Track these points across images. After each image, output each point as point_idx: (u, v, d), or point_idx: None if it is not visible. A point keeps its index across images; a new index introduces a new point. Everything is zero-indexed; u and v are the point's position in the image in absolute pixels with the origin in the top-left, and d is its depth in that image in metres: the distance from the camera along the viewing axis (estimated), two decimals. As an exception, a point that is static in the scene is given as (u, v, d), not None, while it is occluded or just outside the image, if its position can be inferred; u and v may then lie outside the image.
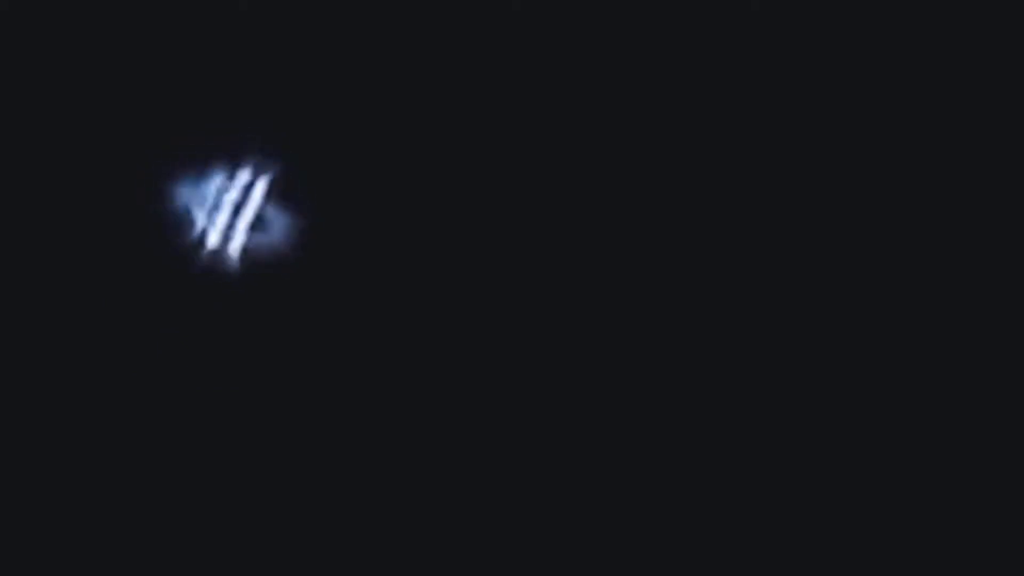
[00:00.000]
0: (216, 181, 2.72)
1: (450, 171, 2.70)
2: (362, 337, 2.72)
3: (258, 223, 2.72)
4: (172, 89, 2.71)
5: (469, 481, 2.60)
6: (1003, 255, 2.53)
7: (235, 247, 2.72)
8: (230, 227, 2.72)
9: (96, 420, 2.66)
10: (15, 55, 2.67)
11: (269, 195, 2.72)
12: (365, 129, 2.73)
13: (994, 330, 2.53)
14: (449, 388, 2.65)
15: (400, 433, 2.65)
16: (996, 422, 2.51)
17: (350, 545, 2.62)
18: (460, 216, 2.69)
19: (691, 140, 2.59)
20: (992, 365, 2.53)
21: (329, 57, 2.71)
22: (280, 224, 2.73)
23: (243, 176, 2.72)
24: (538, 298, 2.63)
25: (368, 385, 2.69)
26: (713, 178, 2.59)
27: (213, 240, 2.72)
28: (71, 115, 2.70)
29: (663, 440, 2.57)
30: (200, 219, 2.72)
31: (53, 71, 2.68)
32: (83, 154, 2.70)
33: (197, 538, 2.62)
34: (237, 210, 2.72)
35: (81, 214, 2.70)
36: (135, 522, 2.61)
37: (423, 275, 2.71)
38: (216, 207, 2.72)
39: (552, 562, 2.55)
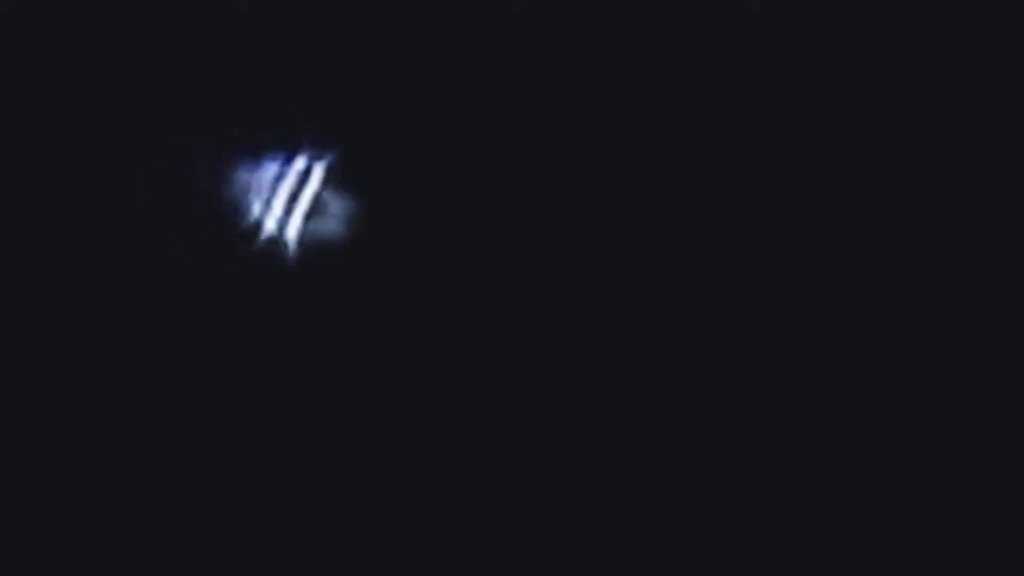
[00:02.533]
0: (271, 168, 2.63)
1: (521, 155, 2.64)
2: (423, 332, 2.63)
3: (316, 210, 2.63)
4: (223, 71, 2.63)
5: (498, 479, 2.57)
6: (1003, 255, 2.53)
7: (292, 235, 2.62)
8: (286, 215, 2.62)
9: (137, 416, 2.56)
10: (52, 37, 2.61)
11: (327, 181, 2.63)
12: (427, 112, 2.66)
13: (994, 330, 2.52)
14: (519, 385, 2.58)
15: (465, 431, 2.58)
16: (996, 422, 2.50)
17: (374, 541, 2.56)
18: (530, 204, 2.63)
19: (691, 140, 2.57)
20: (992, 365, 2.51)
21: (389, 33, 2.65)
22: (339, 211, 2.64)
23: (299, 162, 2.63)
24: (604, 286, 2.59)
25: (429, 381, 2.61)
26: (713, 178, 2.57)
27: (269, 228, 2.62)
28: (121, 97, 2.62)
29: (664, 440, 2.54)
30: (256, 207, 2.62)
31: (100, 49, 2.62)
32: (131, 139, 2.63)
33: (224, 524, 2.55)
34: (294, 197, 2.63)
35: (129, 201, 2.61)
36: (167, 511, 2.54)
37: (492, 269, 2.64)
38: (272, 195, 2.63)
39: (552, 562, 2.52)
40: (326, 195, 2.63)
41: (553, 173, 2.59)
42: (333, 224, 2.63)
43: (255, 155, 2.63)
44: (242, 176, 2.63)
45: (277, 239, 2.62)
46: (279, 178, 2.63)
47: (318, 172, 2.63)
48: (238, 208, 2.62)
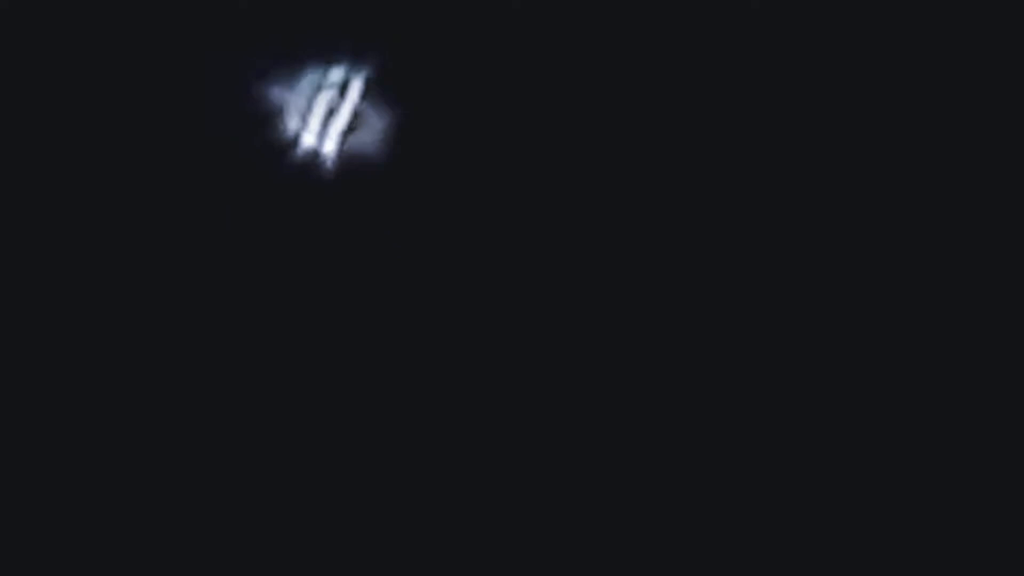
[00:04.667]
0: (309, 80, 2.60)
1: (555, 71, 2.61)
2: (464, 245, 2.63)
3: (354, 123, 2.61)
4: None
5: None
6: (1003, 255, 2.49)
7: (330, 149, 2.61)
8: (324, 128, 2.61)
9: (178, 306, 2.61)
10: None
11: (365, 94, 2.60)
12: (468, 22, 2.60)
13: (994, 330, 2.49)
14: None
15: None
16: (996, 422, 2.48)
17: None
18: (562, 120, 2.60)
19: (691, 140, 2.55)
20: (992, 365, 2.49)
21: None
22: (377, 125, 2.61)
23: (336, 74, 2.60)
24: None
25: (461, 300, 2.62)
26: (713, 178, 2.55)
27: (308, 141, 2.61)
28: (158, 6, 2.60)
29: (664, 440, 2.54)
30: (294, 120, 2.61)
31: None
32: (171, 50, 2.61)
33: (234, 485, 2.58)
34: (331, 111, 2.61)
35: (167, 115, 2.62)
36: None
37: (528, 183, 2.62)
38: (309, 108, 2.61)
39: (552, 562, 2.52)
40: (364, 109, 2.61)
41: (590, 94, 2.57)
42: (371, 138, 2.61)
43: (292, 68, 2.60)
44: (279, 90, 2.61)
45: (315, 153, 2.61)
46: (316, 92, 2.60)
47: (356, 85, 2.60)
48: (275, 122, 2.61)
